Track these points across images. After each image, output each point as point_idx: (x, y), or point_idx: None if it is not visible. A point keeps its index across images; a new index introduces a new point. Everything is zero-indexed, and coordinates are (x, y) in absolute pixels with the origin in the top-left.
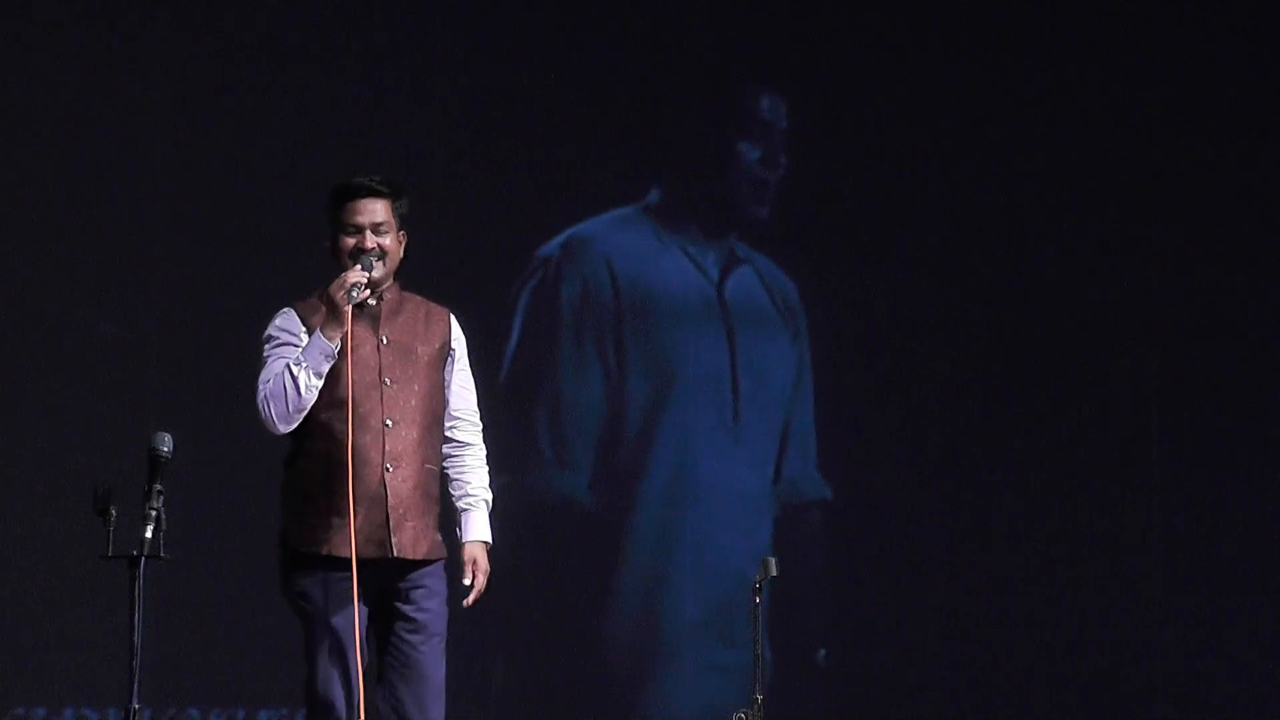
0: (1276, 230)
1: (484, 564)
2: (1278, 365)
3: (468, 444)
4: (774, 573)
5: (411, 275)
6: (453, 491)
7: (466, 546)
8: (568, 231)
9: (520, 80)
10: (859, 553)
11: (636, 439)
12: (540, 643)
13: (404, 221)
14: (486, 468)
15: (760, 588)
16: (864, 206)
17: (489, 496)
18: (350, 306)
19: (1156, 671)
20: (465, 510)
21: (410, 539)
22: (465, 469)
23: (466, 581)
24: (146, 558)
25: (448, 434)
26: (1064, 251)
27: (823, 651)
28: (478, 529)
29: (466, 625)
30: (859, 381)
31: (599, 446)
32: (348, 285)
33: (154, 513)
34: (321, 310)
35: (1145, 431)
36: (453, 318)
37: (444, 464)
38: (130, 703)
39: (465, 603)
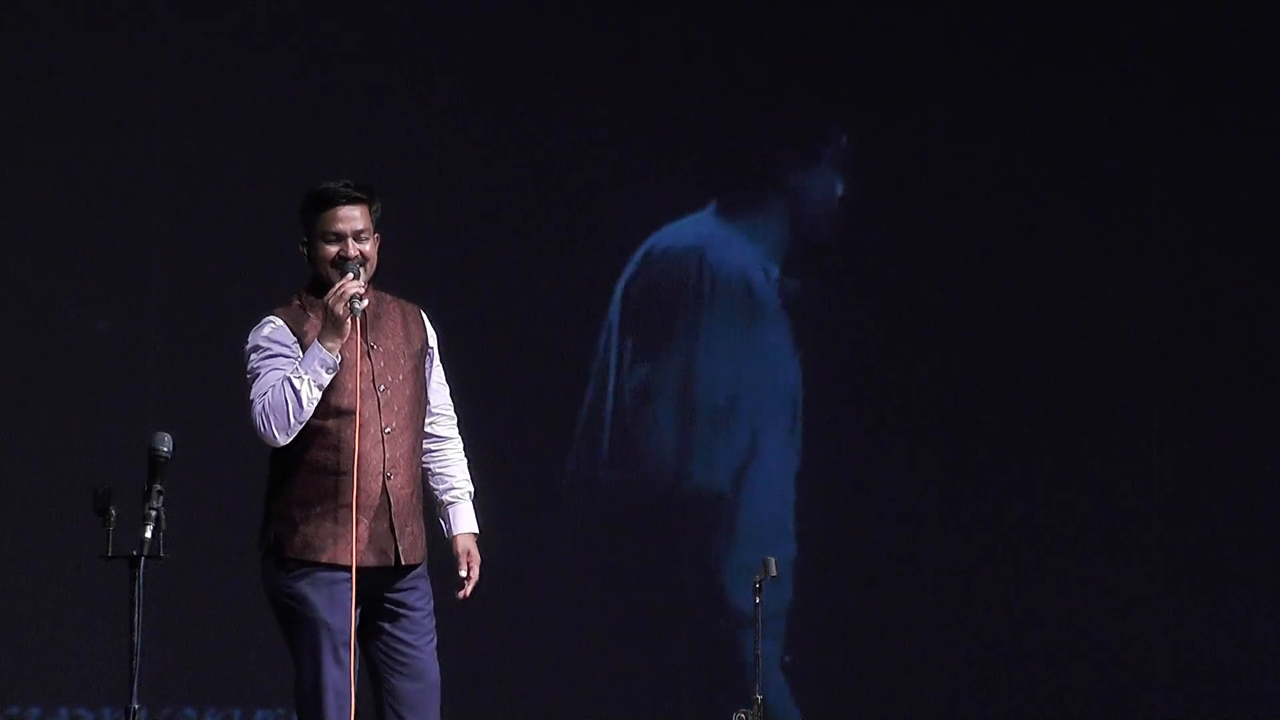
0: (1277, 230)
1: (477, 554)
2: (1278, 365)
3: (447, 438)
4: (774, 573)
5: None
6: (436, 485)
7: (459, 539)
8: (669, 227)
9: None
10: (857, 554)
11: (714, 437)
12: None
13: (379, 225)
14: (465, 459)
15: (760, 587)
16: (855, 213)
17: (471, 488)
18: (351, 318)
19: (1156, 671)
20: (452, 503)
21: (410, 544)
22: (448, 462)
23: (463, 573)
24: (146, 558)
25: (427, 429)
26: (1063, 253)
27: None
28: (468, 521)
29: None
30: (855, 378)
31: (683, 439)
32: (347, 297)
33: (154, 513)
34: (312, 320)
35: (1145, 431)
36: (424, 314)
37: (424, 459)
38: (130, 702)
39: (462, 594)
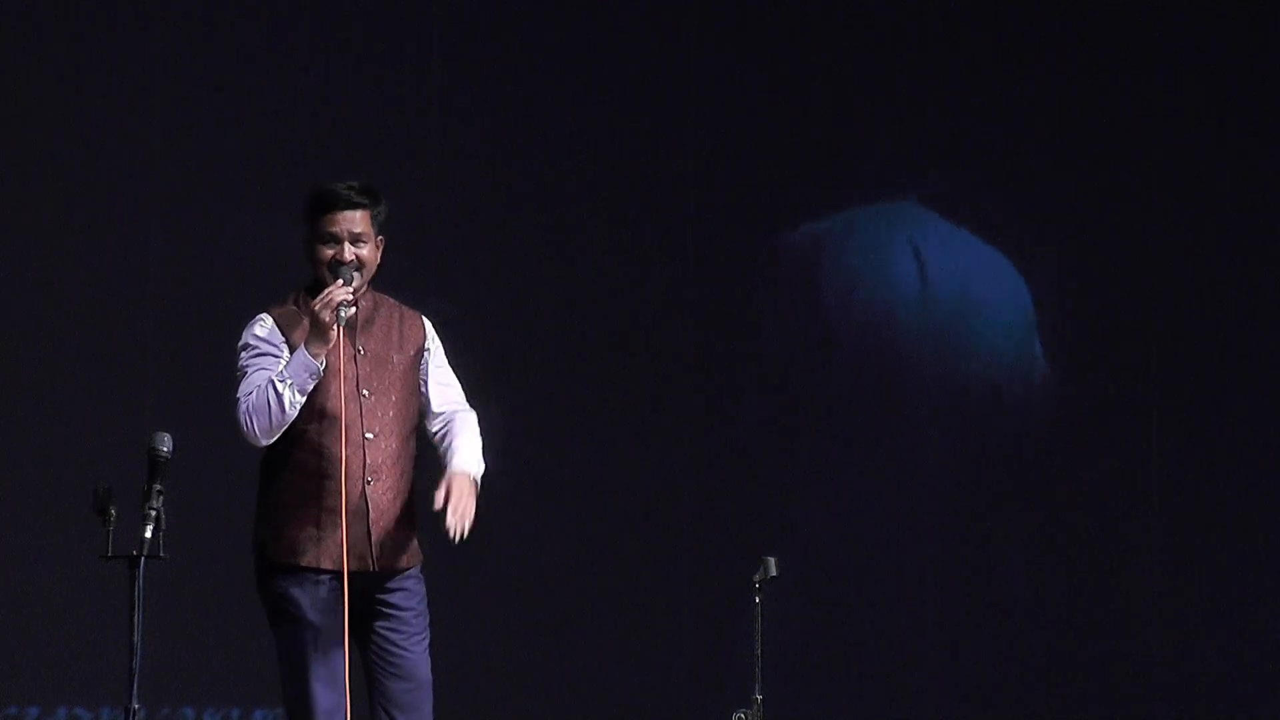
0: (1277, 230)
1: (465, 486)
2: (1278, 365)
3: (462, 413)
4: (774, 573)
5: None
6: (443, 448)
7: (451, 470)
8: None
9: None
10: (857, 555)
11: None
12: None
13: (382, 228)
14: (479, 433)
15: (760, 587)
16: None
17: (479, 444)
18: (337, 326)
19: (1156, 671)
20: (455, 449)
21: (390, 550)
22: (454, 434)
23: (438, 504)
24: (146, 558)
25: (438, 426)
26: (1064, 251)
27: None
28: (464, 459)
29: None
30: (850, 380)
31: None
32: (334, 304)
33: (153, 513)
34: (303, 323)
35: (1145, 431)
36: (426, 321)
37: (439, 443)
38: (130, 702)
39: (450, 533)
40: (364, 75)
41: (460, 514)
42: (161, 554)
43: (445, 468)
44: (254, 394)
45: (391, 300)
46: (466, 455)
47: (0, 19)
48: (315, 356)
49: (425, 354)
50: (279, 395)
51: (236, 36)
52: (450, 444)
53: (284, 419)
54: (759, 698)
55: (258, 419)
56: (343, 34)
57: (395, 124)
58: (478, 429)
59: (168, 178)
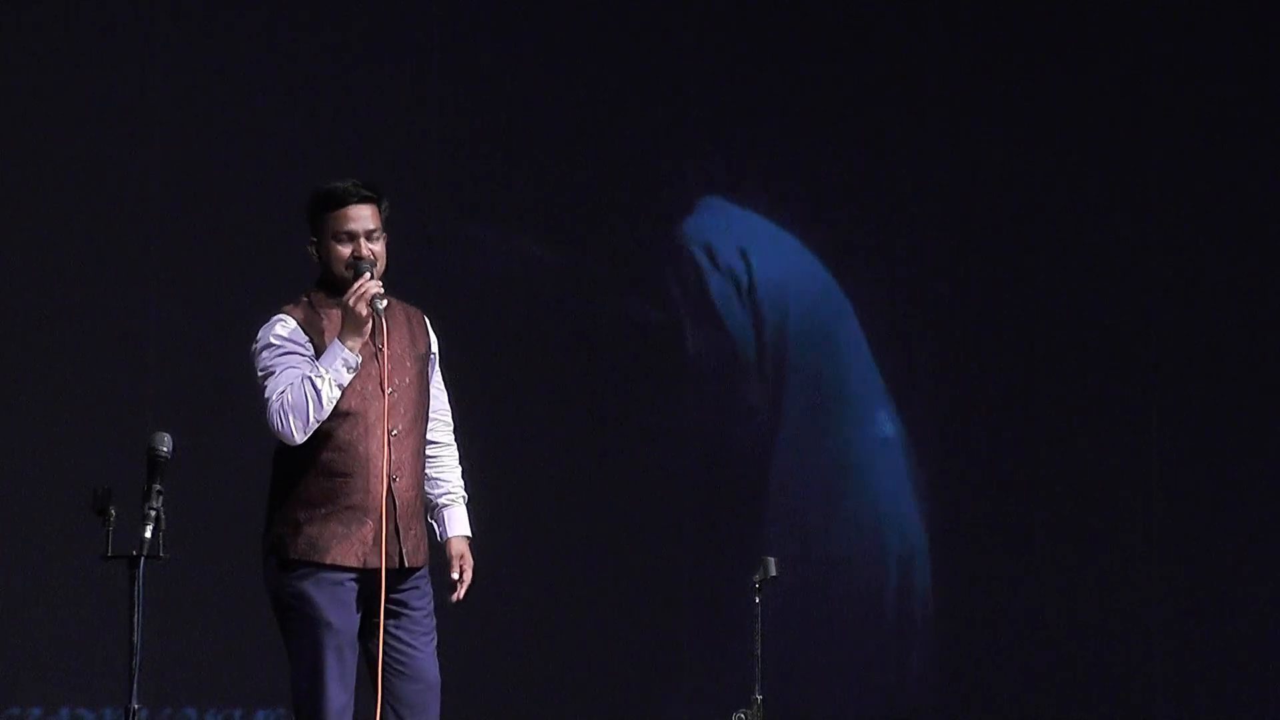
0: (1277, 232)
1: (470, 558)
2: (1278, 366)
3: (445, 444)
4: (774, 573)
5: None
6: (430, 490)
7: (453, 541)
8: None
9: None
10: (854, 554)
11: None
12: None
13: (386, 224)
14: (461, 466)
15: (760, 587)
16: (864, 205)
17: (465, 494)
18: (373, 318)
19: (1156, 671)
20: (447, 506)
21: (414, 546)
22: (444, 468)
23: (455, 576)
24: (146, 558)
25: (431, 445)
26: (1064, 252)
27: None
28: (462, 524)
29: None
30: (851, 377)
31: None
32: (369, 296)
33: (153, 513)
34: (324, 322)
35: (1145, 431)
36: (427, 320)
37: (428, 462)
38: (130, 702)
39: (455, 598)
40: (364, 74)
41: (465, 586)
42: (161, 554)
43: (438, 510)
44: (288, 390)
45: (393, 299)
46: (462, 514)
47: (0, 19)
48: (352, 350)
49: (432, 356)
50: (317, 390)
51: (236, 36)
52: (445, 489)
53: (321, 414)
54: (759, 698)
55: (295, 415)
56: (343, 33)
57: (395, 123)
58: (460, 463)
59: (168, 177)
